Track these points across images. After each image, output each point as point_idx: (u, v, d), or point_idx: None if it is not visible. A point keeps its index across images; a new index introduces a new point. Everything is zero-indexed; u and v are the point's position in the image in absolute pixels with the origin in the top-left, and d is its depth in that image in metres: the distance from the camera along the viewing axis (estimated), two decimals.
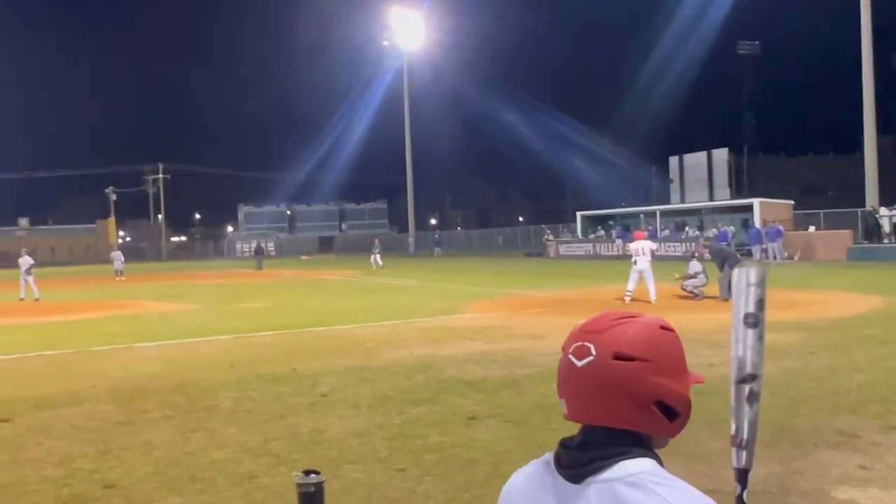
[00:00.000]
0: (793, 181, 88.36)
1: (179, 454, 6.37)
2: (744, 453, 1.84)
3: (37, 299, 25.19)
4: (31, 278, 25.87)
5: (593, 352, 1.44)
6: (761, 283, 1.95)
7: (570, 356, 1.46)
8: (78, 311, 21.02)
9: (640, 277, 17.93)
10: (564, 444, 1.51)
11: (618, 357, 1.44)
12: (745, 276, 1.96)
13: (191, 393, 8.96)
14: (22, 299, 25.35)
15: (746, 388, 1.85)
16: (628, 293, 18.06)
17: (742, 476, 1.82)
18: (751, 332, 1.91)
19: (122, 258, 41.96)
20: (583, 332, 1.48)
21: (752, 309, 1.92)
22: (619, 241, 45.67)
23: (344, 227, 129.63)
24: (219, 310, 20.18)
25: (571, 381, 1.46)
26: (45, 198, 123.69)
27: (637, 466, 1.41)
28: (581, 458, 1.45)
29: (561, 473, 1.48)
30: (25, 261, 26.21)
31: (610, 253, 45.96)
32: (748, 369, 1.87)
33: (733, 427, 1.85)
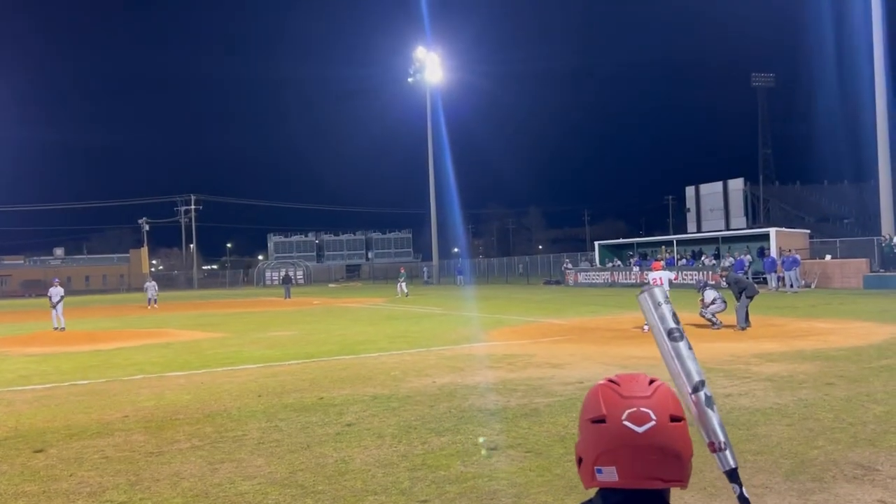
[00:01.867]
0: (808, 209, 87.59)
1: (208, 486, 6.34)
2: (726, 454, 1.76)
3: (62, 329, 25.33)
4: (60, 308, 25.98)
5: (653, 416, 1.47)
6: (667, 300, 1.89)
7: (628, 423, 1.46)
8: (110, 339, 21.16)
9: None
10: None
11: (673, 419, 1.50)
12: (650, 299, 1.89)
13: (219, 422, 8.95)
14: (56, 328, 25.46)
15: (703, 395, 1.78)
16: (647, 325, 17.93)
17: (734, 475, 1.75)
18: (681, 344, 1.83)
19: (157, 288, 42.20)
20: (630, 399, 1.50)
21: (672, 324, 1.85)
22: (636, 270, 45.48)
23: (370, 255, 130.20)
24: (247, 338, 20.21)
25: (630, 447, 1.45)
26: (80, 228, 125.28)
27: None
28: None
29: None
30: (56, 291, 26.35)
31: (628, 281, 45.75)
32: (696, 377, 1.79)
33: (707, 435, 1.77)
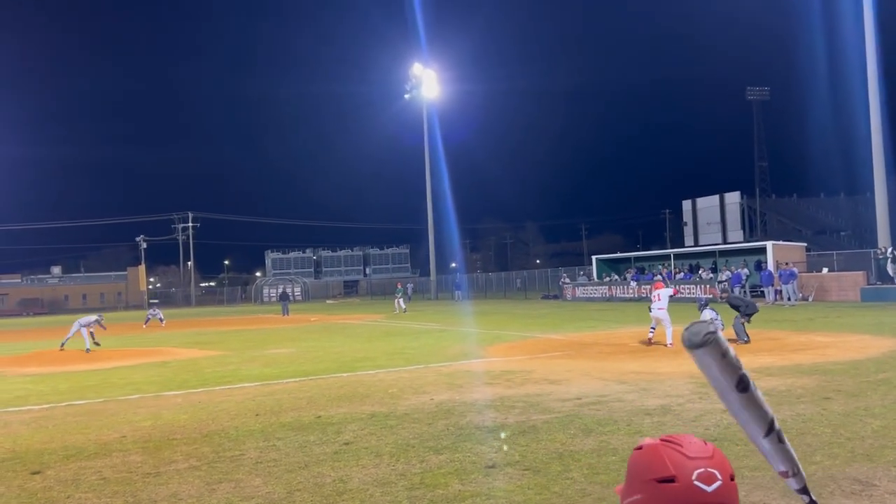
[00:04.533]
0: (805, 222, 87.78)
1: None
2: (798, 477, 1.74)
3: (61, 346, 24.80)
4: (84, 330, 25.16)
5: (719, 476, 1.49)
6: (727, 352, 1.65)
7: (699, 483, 1.48)
8: (107, 359, 21.05)
9: (659, 322, 18.09)
10: None
11: (732, 478, 1.52)
12: (715, 352, 1.63)
13: (217, 442, 8.94)
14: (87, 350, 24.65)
15: (775, 435, 1.72)
16: (651, 332, 18.34)
17: (805, 490, 1.74)
18: (749, 394, 1.68)
19: (160, 313, 41.76)
20: (697, 459, 1.52)
21: (740, 372, 1.67)
22: (633, 284, 45.48)
23: (368, 271, 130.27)
24: (245, 356, 20.17)
25: None
26: (77, 246, 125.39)
27: None
28: None
29: None
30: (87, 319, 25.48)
31: (625, 295, 45.74)
32: (769, 417, 1.70)
33: (780, 466, 1.73)
